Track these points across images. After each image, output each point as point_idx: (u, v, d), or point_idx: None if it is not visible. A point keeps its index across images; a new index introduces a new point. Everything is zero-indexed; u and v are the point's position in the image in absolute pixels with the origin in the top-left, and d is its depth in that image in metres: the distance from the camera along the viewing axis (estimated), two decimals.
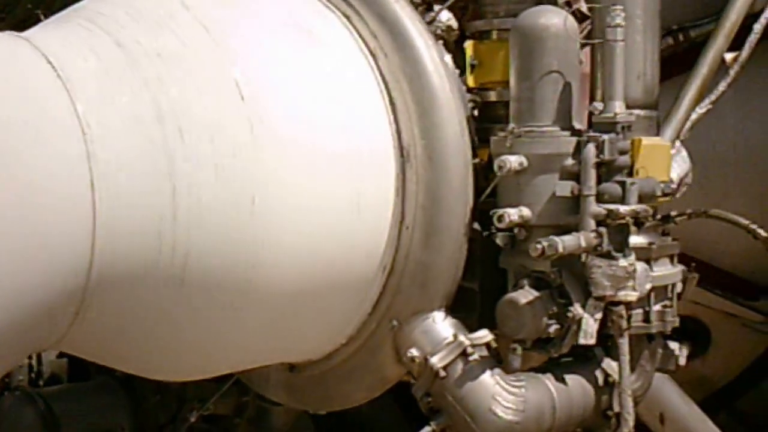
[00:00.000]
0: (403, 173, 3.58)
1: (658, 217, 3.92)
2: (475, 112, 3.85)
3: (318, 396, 3.90)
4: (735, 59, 4.82)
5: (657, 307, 3.78)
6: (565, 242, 3.49)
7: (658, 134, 3.90)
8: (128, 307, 3.23)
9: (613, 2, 3.67)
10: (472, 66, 3.87)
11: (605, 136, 3.55)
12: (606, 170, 3.58)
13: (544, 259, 3.50)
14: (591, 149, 3.54)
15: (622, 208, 3.54)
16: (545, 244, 3.47)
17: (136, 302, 3.23)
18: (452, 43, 3.92)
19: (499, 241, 3.68)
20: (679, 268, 3.87)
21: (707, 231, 5.50)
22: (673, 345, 3.88)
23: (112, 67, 3.20)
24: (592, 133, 3.56)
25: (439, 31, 3.81)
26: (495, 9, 3.89)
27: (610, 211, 3.54)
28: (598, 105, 3.62)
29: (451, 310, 3.73)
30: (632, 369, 3.79)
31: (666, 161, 3.80)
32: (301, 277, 3.43)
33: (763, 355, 5.72)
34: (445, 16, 3.91)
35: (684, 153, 4.87)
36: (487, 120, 3.87)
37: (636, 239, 3.73)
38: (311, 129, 3.42)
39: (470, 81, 3.88)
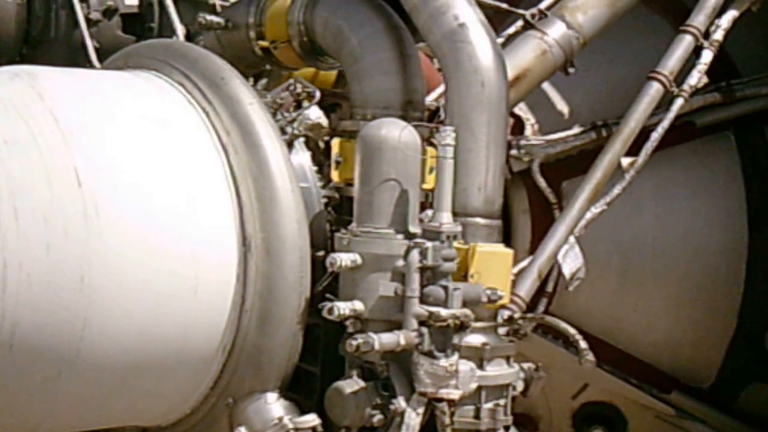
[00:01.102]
0: (245, 261, 3.83)
1: (504, 317, 4.09)
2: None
3: None
4: (631, 164, 4.99)
5: (488, 405, 3.95)
6: (382, 340, 3.71)
7: (501, 241, 4.07)
8: None
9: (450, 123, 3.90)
10: (338, 162, 4.11)
11: (429, 244, 3.75)
12: (432, 275, 3.78)
13: (360, 355, 3.71)
14: (415, 254, 3.76)
15: (443, 312, 3.74)
16: (360, 341, 3.69)
17: None
18: (319, 140, 4.17)
19: (349, 328, 3.90)
20: (515, 369, 4.03)
21: (628, 321, 5.66)
22: None
23: None
24: (417, 240, 3.76)
25: (301, 129, 4.06)
26: (363, 112, 4.15)
27: (431, 313, 3.74)
28: (429, 213, 3.82)
29: (293, 391, 3.95)
30: None
31: (504, 267, 3.98)
32: (132, 352, 3.69)
33: None
34: (315, 114, 4.16)
35: (577, 249, 5.05)
36: (349, 213, 4.11)
37: (471, 338, 3.92)
38: (148, 216, 3.69)
39: (335, 176, 4.13)
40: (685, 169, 5.60)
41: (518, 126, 5.71)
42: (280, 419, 3.84)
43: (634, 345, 5.63)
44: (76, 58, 5.09)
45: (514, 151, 5.47)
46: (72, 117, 3.67)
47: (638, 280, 5.59)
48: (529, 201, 5.51)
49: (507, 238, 5.50)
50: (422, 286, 3.80)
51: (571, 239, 4.97)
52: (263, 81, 4.54)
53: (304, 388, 3.98)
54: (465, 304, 3.79)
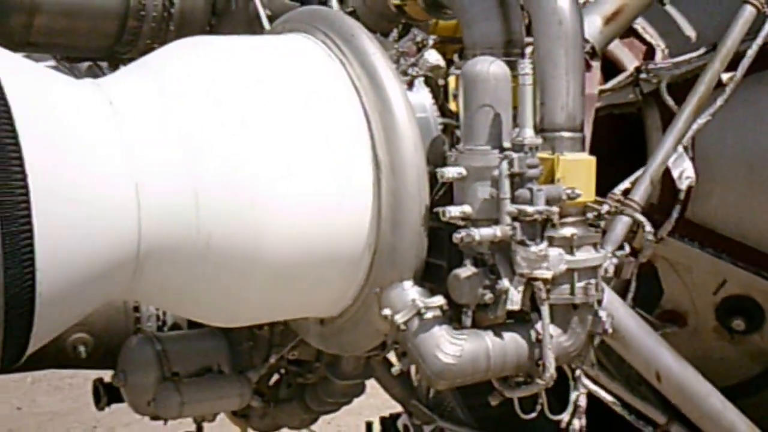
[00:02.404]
0: (378, 180, 4.91)
1: (595, 213, 5.01)
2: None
3: (338, 343, 5.30)
4: (731, 78, 5.76)
5: (581, 284, 4.87)
6: (481, 233, 4.71)
7: (583, 150, 4.98)
8: (171, 271, 4.73)
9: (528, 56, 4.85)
10: (455, 96, 5.14)
11: (515, 155, 4.72)
12: (520, 180, 4.75)
13: (463, 245, 4.74)
14: (504, 164, 4.73)
15: (530, 208, 4.71)
16: (463, 234, 4.72)
17: (177, 268, 4.72)
18: (438, 79, 5.19)
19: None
20: (603, 253, 4.94)
21: (757, 221, 6.38)
22: (602, 313, 4.96)
23: (152, 101, 4.70)
24: (506, 152, 4.75)
25: (420, 71, 5.10)
26: (474, 52, 5.12)
27: (520, 210, 4.73)
28: (516, 131, 4.80)
29: (425, 281, 5.00)
30: (564, 331, 4.94)
31: (587, 171, 4.87)
32: (296, 254, 4.81)
33: None
34: (434, 57, 5.19)
35: (684, 156, 5.88)
36: None
37: (564, 231, 4.87)
38: (304, 149, 4.78)
39: (452, 107, 5.15)
40: None
41: (650, 52, 6.53)
42: (414, 300, 4.89)
43: (765, 242, 6.33)
44: (253, 26, 6.19)
45: (643, 75, 6.31)
46: (235, 74, 4.83)
47: (764, 184, 6.27)
48: (661, 118, 6.31)
49: (643, 153, 6.37)
50: (513, 189, 4.75)
51: (680, 149, 5.79)
52: (394, 34, 5.57)
53: (435, 279, 5.00)
54: (548, 202, 4.73)
